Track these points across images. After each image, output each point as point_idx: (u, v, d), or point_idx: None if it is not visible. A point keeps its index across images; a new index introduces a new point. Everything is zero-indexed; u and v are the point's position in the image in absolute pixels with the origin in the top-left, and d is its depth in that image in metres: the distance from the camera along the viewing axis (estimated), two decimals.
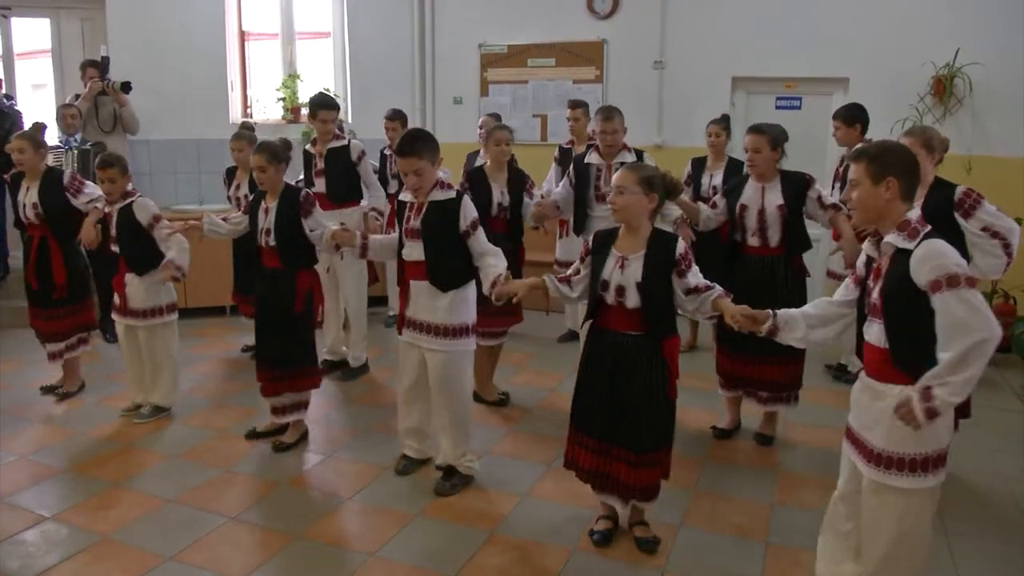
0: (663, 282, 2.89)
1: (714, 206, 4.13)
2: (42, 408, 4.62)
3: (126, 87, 6.41)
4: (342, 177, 4.97)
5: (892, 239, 2.31)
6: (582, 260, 3.12)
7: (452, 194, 3.39)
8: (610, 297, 2.93)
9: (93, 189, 4.53)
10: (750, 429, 4.25)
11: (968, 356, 2.12)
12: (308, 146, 5.11)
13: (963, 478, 3.75)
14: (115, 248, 4.31)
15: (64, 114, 6.05)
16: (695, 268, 2.93)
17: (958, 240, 3.17)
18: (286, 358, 3.93)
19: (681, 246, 2.90)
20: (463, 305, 3.49)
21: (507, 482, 3.69)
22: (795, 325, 2.65)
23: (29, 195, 4.50)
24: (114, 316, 4.44)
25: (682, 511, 3.41)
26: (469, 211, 3.38)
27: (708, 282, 2.93)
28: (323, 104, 4.93)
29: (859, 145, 2.52)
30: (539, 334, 6.11)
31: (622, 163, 4.27)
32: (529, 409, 4.65)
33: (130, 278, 4.28)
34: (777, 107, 6.58)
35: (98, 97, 6.34)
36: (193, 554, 3.08)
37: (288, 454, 4.00)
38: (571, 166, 4.60)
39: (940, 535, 3.22)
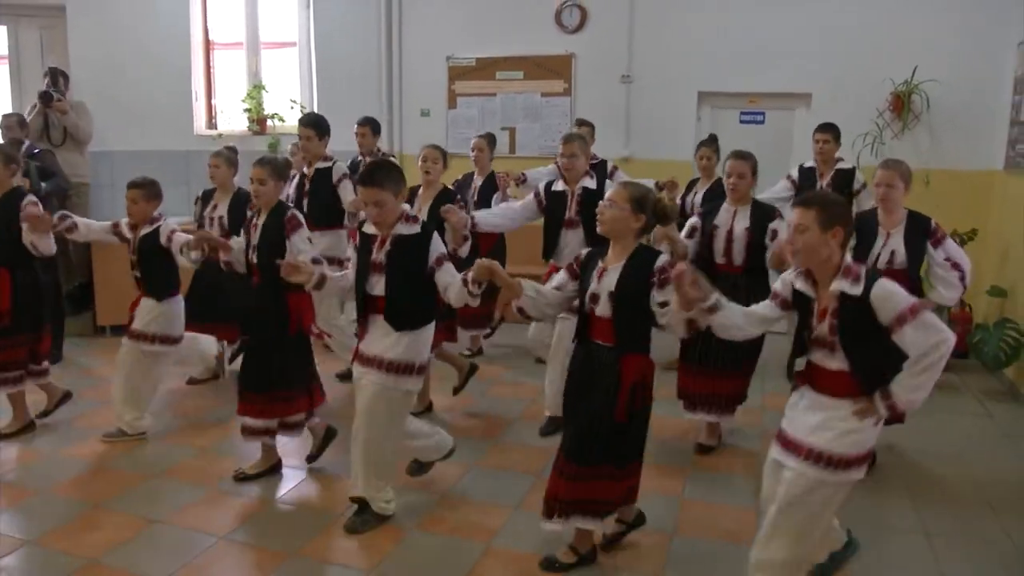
0: (638, 295, 2.92)
1: (692, 234, 4.21)
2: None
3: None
4: (324, 199, 4.96)
5: (841, 285, 2.50)
6: (570, 271, 3.11)
7: (417, 228, 3.26)
8: (586, 304, 2.99)
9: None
10: (731, 443, 4.35)
11: (925, 356, 2.40)
12: (306, 168, 5.11)
13: (935, 480, 3.90)
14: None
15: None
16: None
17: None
18: (277, 380, 3.75)
19: (662, 260, 2.94)
20: (416, 345, 3.29)
21: (497, 494, 3.70)
22: (732, 314, 2.79)
23: None
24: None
25: (673, 520, 3.48)
26: (437, 246, 3.26)
27: None
28: (305, 122, 4.98)
29: (804, 194, 2.74)
30: (512, 347, 6.16)
31: (584, 188, 4.30)
32: (510, 421, 4.68)
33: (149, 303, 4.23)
34: (741, 121, 6.76)
35: (47, 111, 6.17)
36: None
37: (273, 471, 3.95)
38: (542, 189, 4.45)
39: (920, 535, 3.35)
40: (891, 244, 3.81)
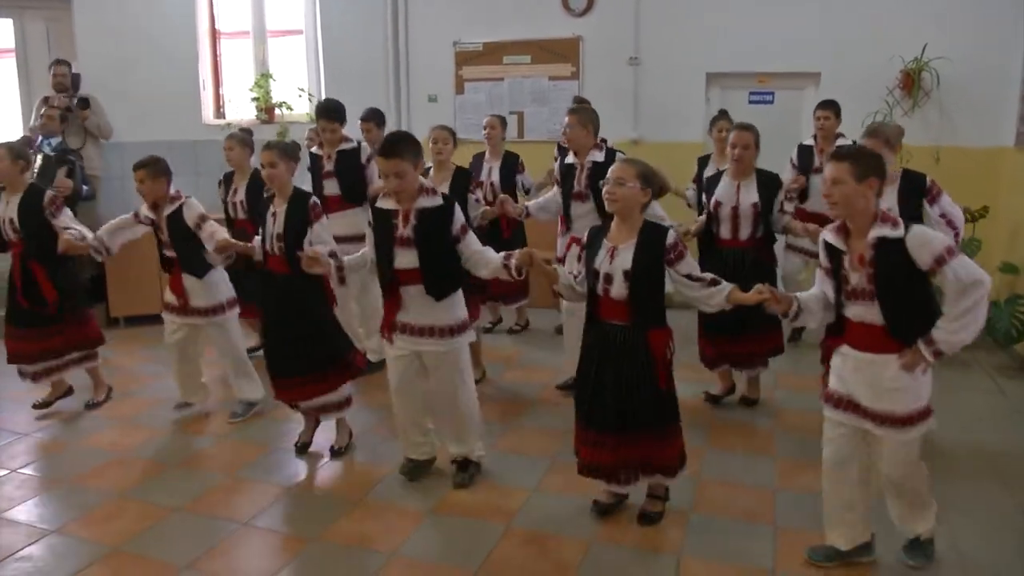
0: (653, 272, 2.98)
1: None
2: (27, 421, 4.51)
3: (83, 103, 6.27)
4: (352, 178, 4.98)
5: (881, 231, 2.60)
6: (578, 259, 3.19)
7: (439, 200, 3.34)
8: (599, 286, 3.02)
9: (70, 215, 4.37)
10: (746, 422, 4.36)
11: (965, 297, 2.53)
12: (316, 148, 5.10)
13: (948, 456, 3.88)
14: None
15: (44, 114, 5.89)
16: (689, 259, 3.03)
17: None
18: (324, 360, 3.82)
19: (671, 236, 2.99)
20: (460, 303, 3.50)
21: (515, 477, 3.73)
22: (813, 309, 2.88)
23: (8, 209, 4.27)
24: (168, 316, 4.37)
25: (690, 498, 3.50)
26: (459, 216, 3.36)
27: (712, 275, 3.04)
28: (328, 116, 4.92)
29: (837, 146, 2.81)
30: (527, 331, 6.17)
31: (594, 162, 4.36)
32: (527, 403, 4.69)
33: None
34: (750, 102, 6.72)
35: (66, 113, 6.19)
36: (210, 562, 3.06)
37: (291, 458, 3.99)
38: (557, 167, 4.63)
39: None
40: (885, 202, 3.78)
